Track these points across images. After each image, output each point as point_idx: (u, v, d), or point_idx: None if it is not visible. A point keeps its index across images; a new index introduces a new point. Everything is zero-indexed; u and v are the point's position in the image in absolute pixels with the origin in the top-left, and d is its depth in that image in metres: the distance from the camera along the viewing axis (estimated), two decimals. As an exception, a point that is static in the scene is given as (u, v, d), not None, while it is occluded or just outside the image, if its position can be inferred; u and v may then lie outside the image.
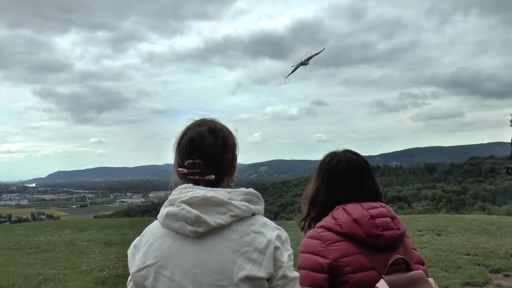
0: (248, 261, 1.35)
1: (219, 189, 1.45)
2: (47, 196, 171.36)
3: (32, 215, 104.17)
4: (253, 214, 1.44)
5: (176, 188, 1.47)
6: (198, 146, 1.49)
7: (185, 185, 1.45)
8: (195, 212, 1.36)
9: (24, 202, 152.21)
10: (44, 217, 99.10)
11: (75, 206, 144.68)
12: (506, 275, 6.54)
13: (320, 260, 1.70)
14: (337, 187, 1.95)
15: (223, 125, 1.57)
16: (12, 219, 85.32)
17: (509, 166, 10.73)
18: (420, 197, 61.27)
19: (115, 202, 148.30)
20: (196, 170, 1.47)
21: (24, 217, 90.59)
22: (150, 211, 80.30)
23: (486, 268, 6.89)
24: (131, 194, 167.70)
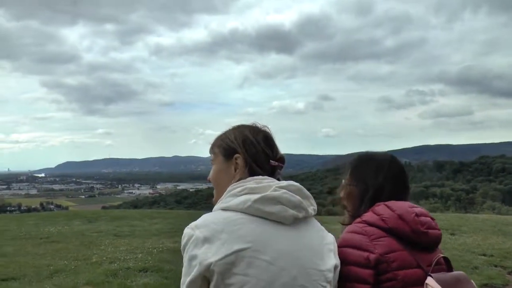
0: (329, 251, 1.49)
1: None
2: (56, 186, 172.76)
3: (41, 204, 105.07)
4: None
5: (248, 178, 1.49)
6: (276, 146, 1.61)
7: (261, 176, 1.49)
8: (298, 197, 1.44)
9: (33, 191, 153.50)
10: (53, 207, 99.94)
11: (83, 197, 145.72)
12: (524, 277, 6.43)
13: (366, 254, 1.62)
14: (398, 184, 1.91)
15: None
16: (22, 208, 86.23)
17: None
18: (428, 194, 61.03)
19: (123, 193, 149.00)
20: (281, 165, 1.58)
21: (33, 207, 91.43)
22: (158, 203, 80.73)
23: (503, 269, 6.79)
24: (139, 185, 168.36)
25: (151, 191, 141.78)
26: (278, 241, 1.36)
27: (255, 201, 1.37)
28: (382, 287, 1.61)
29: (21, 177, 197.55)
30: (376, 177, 1.87)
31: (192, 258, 1.34)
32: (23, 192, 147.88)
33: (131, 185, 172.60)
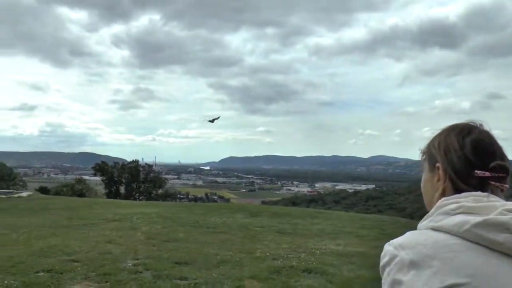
0: None
1: None
2: (219, 179, 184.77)
3: (206, 195, 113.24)
4: None
5: (463, 194, 1.16)
6: (493, 150, 1.23)
7: (480, 192, 1.16)
8: None
9: (199, 182, 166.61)
10: (216, 197, 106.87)
11: (244, 190, 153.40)
12: None
13: None
14: None
15: None
16: (189, 197, 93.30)
17: None
18: None
19: (282, 190, 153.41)
20: (500, 175, 1.18)
21: (199, 196, 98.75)
22: (315, 201, 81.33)
23: None
24: (298, 183, 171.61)
25: (309, 189, 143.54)
26: (504, 279, 1.05)
27: (475, 225, 1.08)
28: None
29: (190, 169, 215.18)
30: None
31: (396, 283, 1.11)
32: (190, 183, 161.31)
33: (290, 182, 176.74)
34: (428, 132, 1.38)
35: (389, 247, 1.16)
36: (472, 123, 1.29)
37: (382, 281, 1.17)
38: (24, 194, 21.23)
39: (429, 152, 1.32)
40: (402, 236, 1.17)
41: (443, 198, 1.19)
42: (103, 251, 7.98)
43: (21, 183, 42.57)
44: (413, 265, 1.09)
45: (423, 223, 1.20)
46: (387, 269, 1.15)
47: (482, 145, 1.23)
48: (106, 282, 6.19)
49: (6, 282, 5.96)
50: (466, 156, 1.21)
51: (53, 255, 7.55)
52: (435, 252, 1.08)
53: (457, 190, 1.20)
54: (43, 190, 38.87)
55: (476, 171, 1.19)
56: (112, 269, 6.75)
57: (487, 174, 1.18)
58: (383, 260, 1.17)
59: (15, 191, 25.28)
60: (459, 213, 1.12)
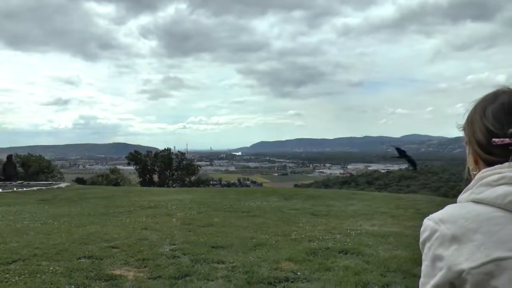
0: None
1: None
2: (251, 164, 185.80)
3: (239, 180, 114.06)
4: None
5: (506, 164, 1.09)
6: None
7: None
8: None
9: (232, 168, 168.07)
10: (249, 182, 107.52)
11: (276, 174, 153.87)
12: None
13: None
14: None
15: None
16: (222, 182, 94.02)
17: None
18: None
19: (314, 172, 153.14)
20: None
21: (232, 182, 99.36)
22: (348, 183, 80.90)
23: None
24: (330, 165, 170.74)
25: (341, 171, 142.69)
26: None
27: None
28: None
29: (221, 155, 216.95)
30: None
31: (437, 258, 1.07)
32: (223, 168, 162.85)
33: (322, 164, 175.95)
34: (461, 109, 1.32)
35: (429, 222, 1.13)
36: (504, 89, 1.22)
37: (423, 256, 1.13)
38: (63, 185, 21.72)
39: (464, 126, 1.27)
40: (442, 210, 1.14)
41: (484, 170, 1.14)
42: (141, 237, 8.14)
43: (59, 175, 43.57)
44: (455, 239, 1.06)
45: (463, 196, 1.16)
46: (427, 244, 1.11)
47: (502, 111, 1.15)
48: (145, 267, 6.32)
49: (51, 268, 6.16)
50: (486, 126, 1.15)
51: (93, 242, 7.74)
52: (477, 226, 1.04)
53: (488, 163, 1.15)
54: (79, 181, 39.87)
55: (493, 139, 1.12)
56: (150, 255, 6.88)
57: (507, 141, 1.10)
58: (423, 235, 1.13)
59: (54, 182, 25.93)
60: (501, 184, 1.07)
